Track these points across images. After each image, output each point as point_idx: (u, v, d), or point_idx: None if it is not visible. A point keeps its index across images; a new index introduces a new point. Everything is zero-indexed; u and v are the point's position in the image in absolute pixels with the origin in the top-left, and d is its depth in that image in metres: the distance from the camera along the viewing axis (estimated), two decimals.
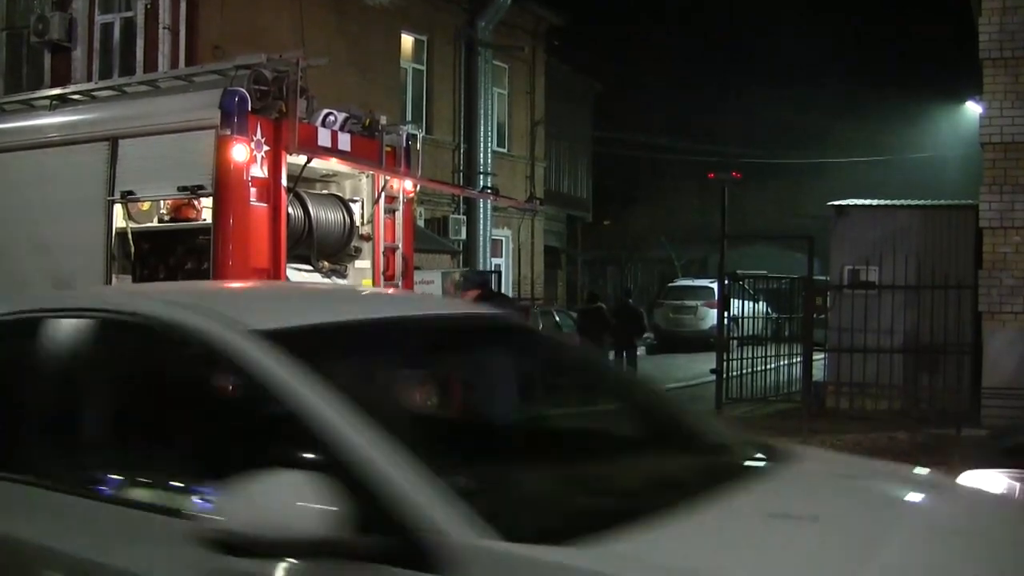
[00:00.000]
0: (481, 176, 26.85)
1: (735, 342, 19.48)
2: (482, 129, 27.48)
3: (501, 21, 27.91)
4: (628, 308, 24.02)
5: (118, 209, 10.45)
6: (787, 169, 45.69)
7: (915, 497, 4.20)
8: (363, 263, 11.62)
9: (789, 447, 4.44)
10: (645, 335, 26.62)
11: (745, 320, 22.31)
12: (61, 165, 10.82)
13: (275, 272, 10.07)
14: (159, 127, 10.21)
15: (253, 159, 9.80)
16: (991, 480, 6.32)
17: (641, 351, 23.47)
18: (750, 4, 61.25)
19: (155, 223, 10.93)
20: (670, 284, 35.72)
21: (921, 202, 17.60)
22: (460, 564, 2.92)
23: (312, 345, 3.67)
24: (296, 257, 10.84)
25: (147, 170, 10.26)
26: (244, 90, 9.77)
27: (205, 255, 9.92)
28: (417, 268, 13.82)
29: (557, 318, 22.91)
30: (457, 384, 5.22)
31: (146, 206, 10.84)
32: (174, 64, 19.08)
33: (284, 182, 10.15)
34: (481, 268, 25.91)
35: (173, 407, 3.99)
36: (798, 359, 17.97)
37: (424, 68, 26.66)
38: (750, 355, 19.13)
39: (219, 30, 19.82)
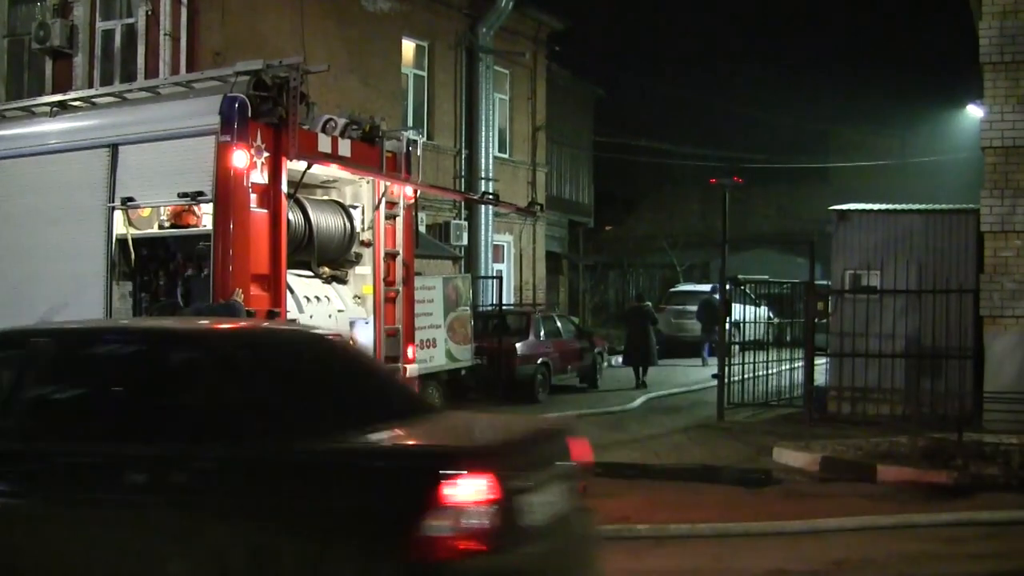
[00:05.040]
0: (482, 181, 26.84)
1: (737, 347, 19.47)
2: (483, 135, 27.48)
3: (502, 27, 27.93)
4: (711, 304, 26.67)
5: (118, 215, 10.47)
6: (789, 174, 45.63)
7: None
8: (364, 269, 11.64)
9: None
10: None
11: (747, 325, 22.33)
12: (62, 171, 10.84)
13: (275, 278, 10.07)
14: (159, 133, 10.24)
15: (253, 165, 9.82)
16: None
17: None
18: (752, 9, 61.38)
19: (155, 229, 10.94)
20: (672, 289, 35.68)
21: (922, 206, 17.57)
22: None
23: None
24: (297, 263, 10.86)
25: (147, 176, 10.28)
26: (244, 96, 9.79)
27: (205, 261, 9.94)
28: (418, 274, 13.82)
29: (559, 323, 22.90)
30: None
31: (146, 212, 10.85)
32: (175, 71, 19.08)
33: (284, 188, 10.17)
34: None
35: None
36: (800, 364, 17.98)
37: (425, 74, 26.65)
38: (752, 360, 19.13)
39: (220, 37, 19.83)
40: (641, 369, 23.50)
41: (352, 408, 5.95)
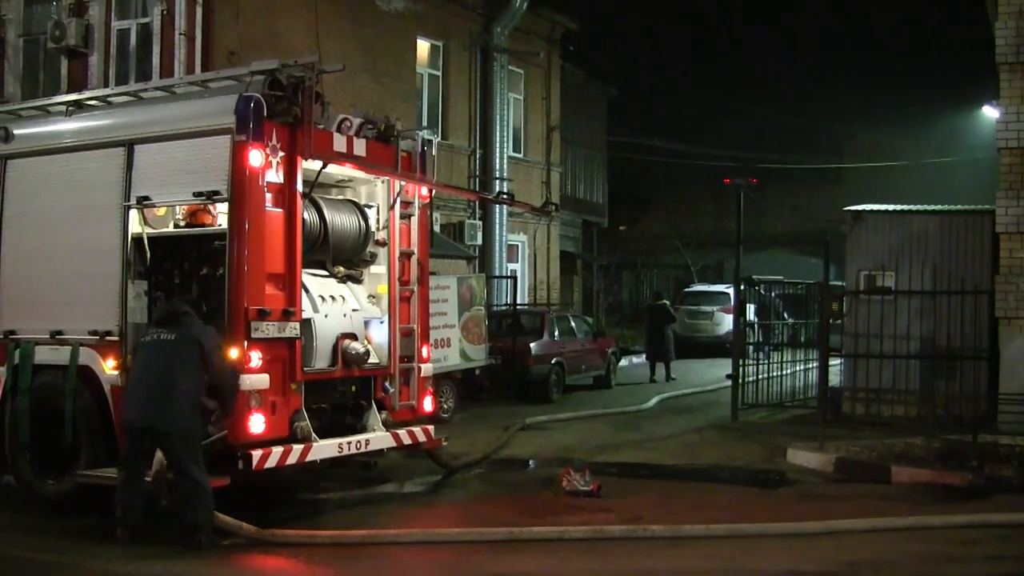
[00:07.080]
0: (497, 181, 26.88)
1: (751, 347, 19.44)
2: (498, 134, 27.52)
3: (516, 27, 27.96)
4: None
5: (134, 214, 10.47)
6: (803, 174, 45.58)
7: None
8: (378, 268, 11.62)
9: None
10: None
11: (761, 326, 22.29)
12: (77, 170, 10.85)
13: (290, 277, 10.08)
14: (175, 132, 10.23)
15: (268, 164, 9.81)
16: None
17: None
18: (767, 10, 61.24)
19: (171, 228, 10.94)
20: (686, 289, 35.66)
21: (938, 207, 17.53)
22: None
23: None
24: (312, 262, 10.86)
25: (163, 175, 10.28)
26: (260, 96, 9.78)
27: (220, 260, 9.94)
28: (432, 274, 13.83)
29: (573, 323, 22.90)
30: None
31: (162, 211, 10.85)
32: (190, 70, 19.14)
33: (299, 187, 10.16)
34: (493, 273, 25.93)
35: None
36: (814, 365, 17.95)
37: (440, 73, 26.68)
38: (766, 360, 19.09)
39: (235, 36, 19.90)
40: (656, 365, 24.51)
41: None
